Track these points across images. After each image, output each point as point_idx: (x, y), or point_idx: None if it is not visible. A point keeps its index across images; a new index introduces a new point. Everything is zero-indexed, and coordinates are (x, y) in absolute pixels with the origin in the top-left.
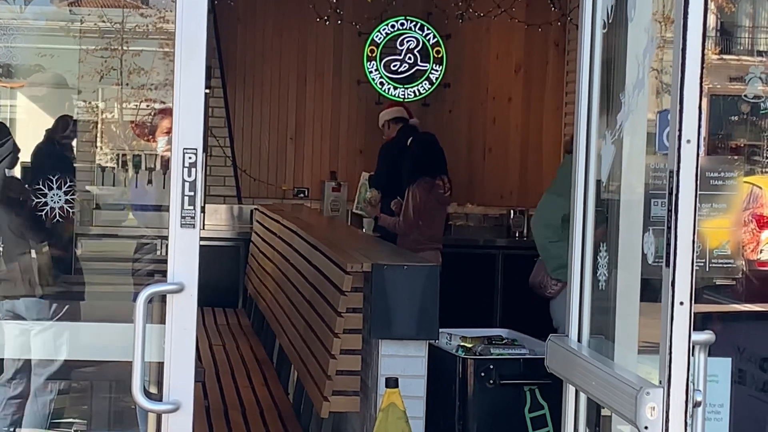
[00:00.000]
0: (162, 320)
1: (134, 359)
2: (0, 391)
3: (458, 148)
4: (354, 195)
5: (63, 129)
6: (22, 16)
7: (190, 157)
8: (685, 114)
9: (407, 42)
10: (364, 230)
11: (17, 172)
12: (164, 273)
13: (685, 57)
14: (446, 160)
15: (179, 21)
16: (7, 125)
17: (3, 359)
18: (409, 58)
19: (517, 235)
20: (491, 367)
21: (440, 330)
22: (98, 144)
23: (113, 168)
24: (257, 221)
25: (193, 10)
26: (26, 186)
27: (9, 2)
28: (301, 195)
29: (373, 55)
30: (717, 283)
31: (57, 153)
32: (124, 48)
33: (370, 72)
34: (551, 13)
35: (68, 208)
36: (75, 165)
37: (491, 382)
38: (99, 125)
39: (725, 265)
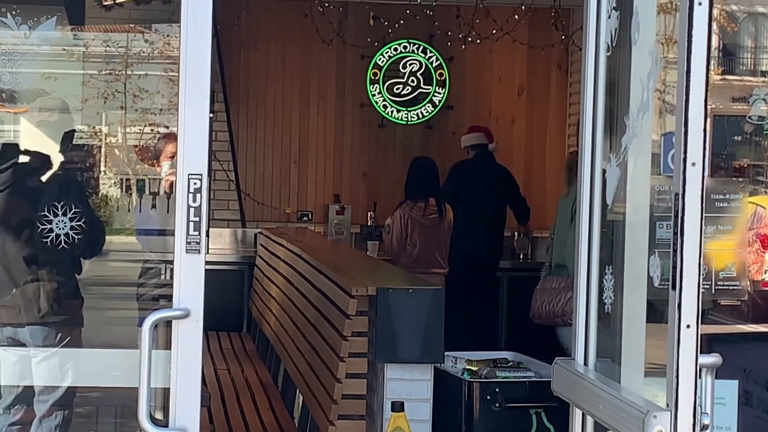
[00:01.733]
0: (167, 345)
1: (140, 385)
2: (1, 417)
3: None
4: (358, 218)
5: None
6: (26, 41)
7: (195, 183)
8: (690, 137)
9: (410, 65)
10: (368, 252)
11: (22, 198)
12: (169, 297)
13: (689, 80)
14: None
15: (183, 48)
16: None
17: (4, 386)
18: (412, 81)
19: (521, 257)
20: (497, 390)
21: (445, 353)
22: (102, 168)
23: (117, 192)
24: (261, 245)
25: (197, 37)
26: (31, 212)
27: (13, 28)
28: (305, 218)
29: (376, 78)
30: (722, 304)
31: (61, 178)
32: (128, 72)
33: (373, 95)
34: (553, 34)
35: (73, 235)
36: (80, 190)
37: (497, 405)
38: (102, 149)
39: (731, 287)
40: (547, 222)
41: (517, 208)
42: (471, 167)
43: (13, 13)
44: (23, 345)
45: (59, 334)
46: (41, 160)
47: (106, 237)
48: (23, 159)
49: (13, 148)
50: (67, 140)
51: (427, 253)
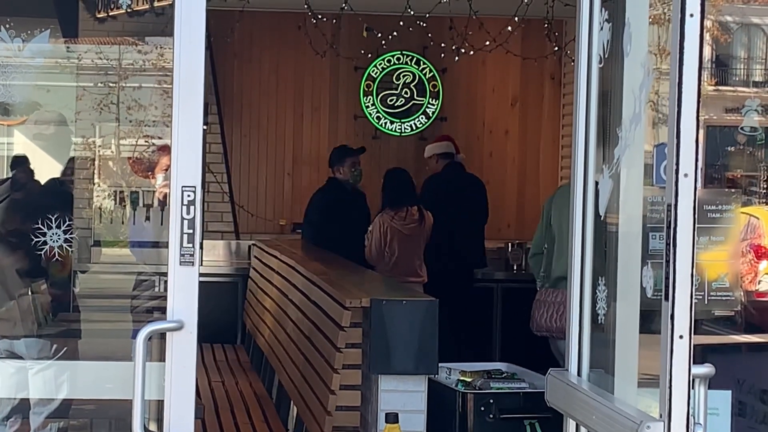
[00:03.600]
0: (161, 357)
1: (134, 397)
2: None
3: None
4: None
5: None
6: (20, 54)
7: (188, 195)
8: (682, 148)
9: (403, 76)
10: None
11: (15, 211)
12: (162, 310)
13: (681, 91)
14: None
15: (177, 61)
16: (3, 163)
17: (2, 398)
18: (406, 93)
19: (515, 268)
20: (491, 401)
21: (440, 364)
22: (96, 180)
23: (111, 205)
24: (255, 257)
25: (191, 49)
26: (25, 225)
27: (7, 41)
28: (299, 230)
29: (370, 89)
30: (716, 314)
31: (55, 190)
32: (122, 84)
33: (367, 106)
34: (547, 46)
35: (67, 247)
36: (73, 202)
37: (491, 416)
38: (96, 162)
39: (724, 298)
40: None
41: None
42: (444, 180)
43: (7, 26)
44: (20, 357)
45: (54, 347)
46: (34, 173)
47: (102, 249)
48: (17, 172)
49: (18, 161)
50: (63, 153)
51: (405, 261)
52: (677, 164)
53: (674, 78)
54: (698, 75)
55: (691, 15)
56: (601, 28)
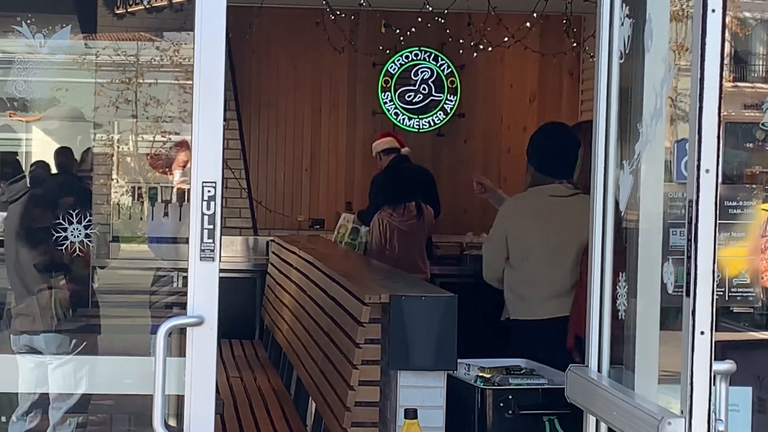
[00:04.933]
0: (180, 353)
1: (155, 392)
2: (17, 424)
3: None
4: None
5: (81, 162)
6: (41, 50)
7: (209, 191)
8: (704, 144)
9: (421, 72)
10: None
11: (35, 206)
12: (181, 305)
13: (703, 87)
14: (415, 186)
15: (198, 57)
16: (22, 159)
17: (20, 393)
18: (424, 89)
19: None
20: (510, 397)
21: (458, 360)
22: (114, 176)
23: (129, 201)
24: (273, 253)
25: (211, 46)
26: (46, 221)
27: (28, 37)
28: (317, 226)
29: (388, 85)
30: (735, 311)
31: (75, 186)
32: (140, 80)
33: (385, 103)
34: (565, 42)
35: (87, 242)
36: (92, 198)
37: (510, 412)
38: (115, 158)
39: (744, 294)
40: None
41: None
42: (390, 174)
43: (28, 21)
44: (39, 353)
45: (73, 342)
46: (56, 169)
47: (120, 245)
48: (36, 168)
49: (28, 157)
50: (81, 149)
51: (406, 257)
52: (699, 160)
53: (696, 74)
54: (720, 70)
55: (713, 10)
56: (622, 24)
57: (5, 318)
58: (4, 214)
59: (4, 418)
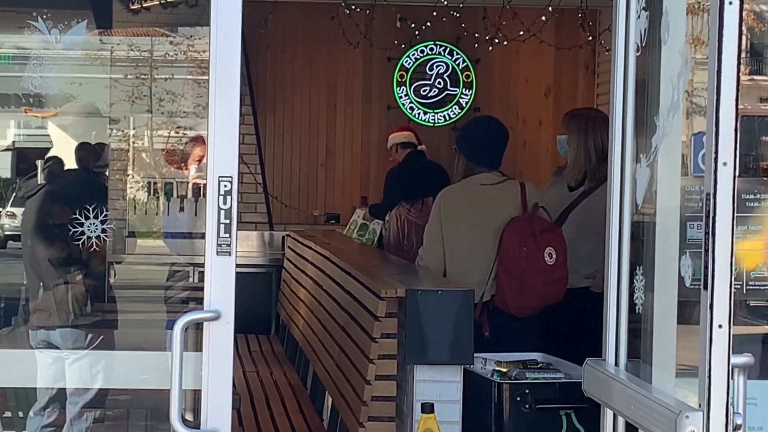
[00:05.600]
0: (197, 348)
1: (172, 387)
2: (35, 419)
3: None
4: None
5: (97, 157)
6: (56, 46)
7: (225, 185)
8: (721, 137)
9: (437, 67)
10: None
11: (52, 202)
12: (197, 300)
13: (720, 80)
14: (432, 181)
15: (213, 51)
16: (39, 155)
17: (38, 388)
18: (439, 83)
19: None
20: (527, 391)
21: (475, 354)
22: (129, 172)
23: (145, 196)
24: (289, 247)
25: (227, 41)
26: (62, 216)
27: (44, 32)
28: (333, 221)
29: (403, 80)
30: (753, 304)
31: (92, 182)
32: (155, 76)
33: (400, 97)
34: (580, 35)
35: (104, 237)
36: (108, 193)
37: (527, 406)
38: (131, 153)
39: (762, 287)
40: None
41: None
42: (406, 169)
43: (44, 17)
44: (57, 348)
45: (90, 337)
46: (73, 164)
47: (136, 240)
48: (53, 163)
49: (44, 152)
50: (97, 144)
51: None
52: (716, 153)
53: (713, 66)
54: (737, 63)
55: (730, 3)
56: (638, 17)
57: (24, 313)
58: (22, 209)
59: (21, 413)
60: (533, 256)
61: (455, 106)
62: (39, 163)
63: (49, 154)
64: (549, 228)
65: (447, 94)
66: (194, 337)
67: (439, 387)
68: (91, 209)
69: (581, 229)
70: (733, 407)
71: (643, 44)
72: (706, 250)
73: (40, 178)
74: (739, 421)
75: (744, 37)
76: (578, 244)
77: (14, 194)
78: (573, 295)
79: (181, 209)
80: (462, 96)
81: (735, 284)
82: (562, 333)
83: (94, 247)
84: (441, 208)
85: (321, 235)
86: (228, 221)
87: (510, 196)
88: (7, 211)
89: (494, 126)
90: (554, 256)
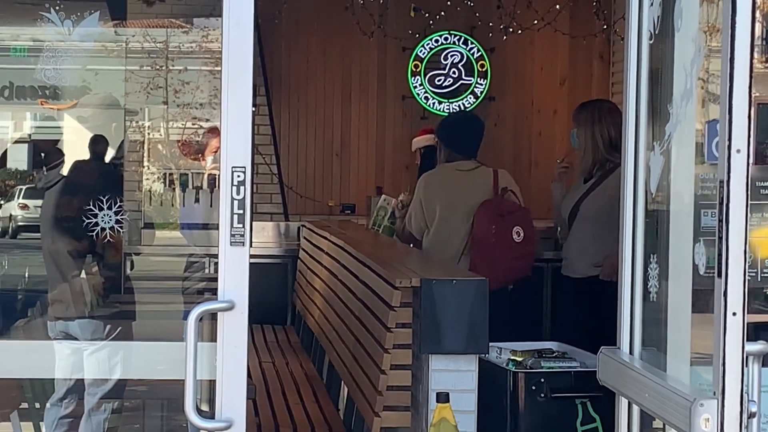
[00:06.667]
0: (212, 338)
1: (186, 377)
2: (52, 410)
3: (504, 162)
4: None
5: (113, 149)
6: (69, 38)
7: (238, 176)
8: (734, 124)
9: (451, 56)
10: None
11: (68, 193)
12: (213, 291)
13: (733, 67)
14: None
15: (226, 42)
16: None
17: (55, 379)
18: (454, 73)
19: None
20: (542, 380)
21: (490, 344)
22: (145, 163)
23: (161, 187)
24: (304, 238)
25: (239, 31)
26: (77, 207)
27: (57, 24)
28: (348, 211)
29: (418, 70)
30: (767, 292)
31: (107, 173)
32: (170, 67)
33: (415, 87)
34: (595, 24)
35: (118, 228)
36: (123, 184)
37: (542, 395)
38: (146, 144)
39: None
40: None
41: None
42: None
43: (57, 8)
44: (75, 339)
45: (107, 328)
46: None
47: (152, 231)
48: (68, 155)
49: (59, 145)
50: (114, 137)
51: None
52: (729, 140)
53: (726, 53)
54: (750, 49)
55: None
56: (651, 4)
57: (42, 304)
58: (41, 201)
59: (38, 404)
60: (502, 233)
61: (470, 96)
62: (55, 155)
63: (67, 147)
64: (516, 209)
65: (462, 84)
66: (210, 328)
67: (454, 376)
68: (104, 200)
69: (590, 218)
70: (748, 395)
71: (657, 32)
72: (720, 238)
73: (58, 171)
74: (753, 409)
75: (758, 25)
76: (588, 233)
77: (31, 186)
78: (583, 284)
79: (197, 200)
80: (477, 85)
81: (750, 272)
82: (574, 322)
83: (108, 238)
84: (422, 189)
85: (336, 226)
86: (241, 211)
87: (483, 181)
88: (19, 203)
89: (471, 119)
90: (521, 234)
